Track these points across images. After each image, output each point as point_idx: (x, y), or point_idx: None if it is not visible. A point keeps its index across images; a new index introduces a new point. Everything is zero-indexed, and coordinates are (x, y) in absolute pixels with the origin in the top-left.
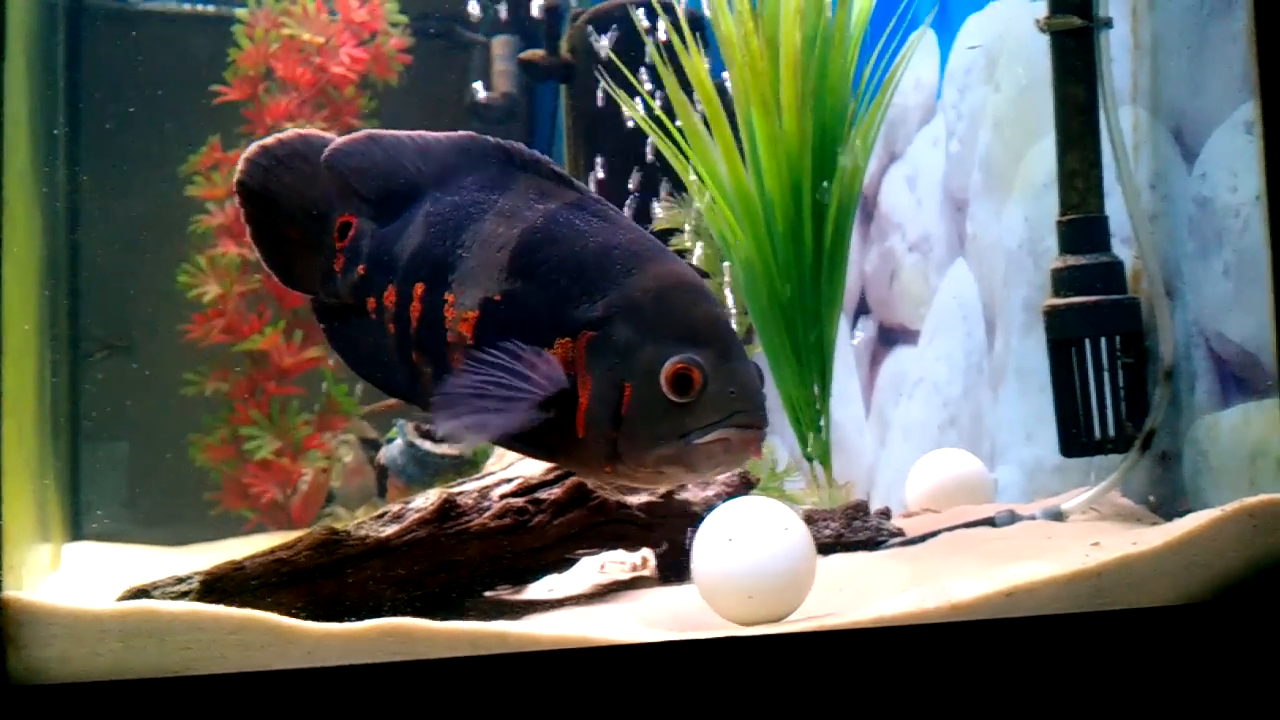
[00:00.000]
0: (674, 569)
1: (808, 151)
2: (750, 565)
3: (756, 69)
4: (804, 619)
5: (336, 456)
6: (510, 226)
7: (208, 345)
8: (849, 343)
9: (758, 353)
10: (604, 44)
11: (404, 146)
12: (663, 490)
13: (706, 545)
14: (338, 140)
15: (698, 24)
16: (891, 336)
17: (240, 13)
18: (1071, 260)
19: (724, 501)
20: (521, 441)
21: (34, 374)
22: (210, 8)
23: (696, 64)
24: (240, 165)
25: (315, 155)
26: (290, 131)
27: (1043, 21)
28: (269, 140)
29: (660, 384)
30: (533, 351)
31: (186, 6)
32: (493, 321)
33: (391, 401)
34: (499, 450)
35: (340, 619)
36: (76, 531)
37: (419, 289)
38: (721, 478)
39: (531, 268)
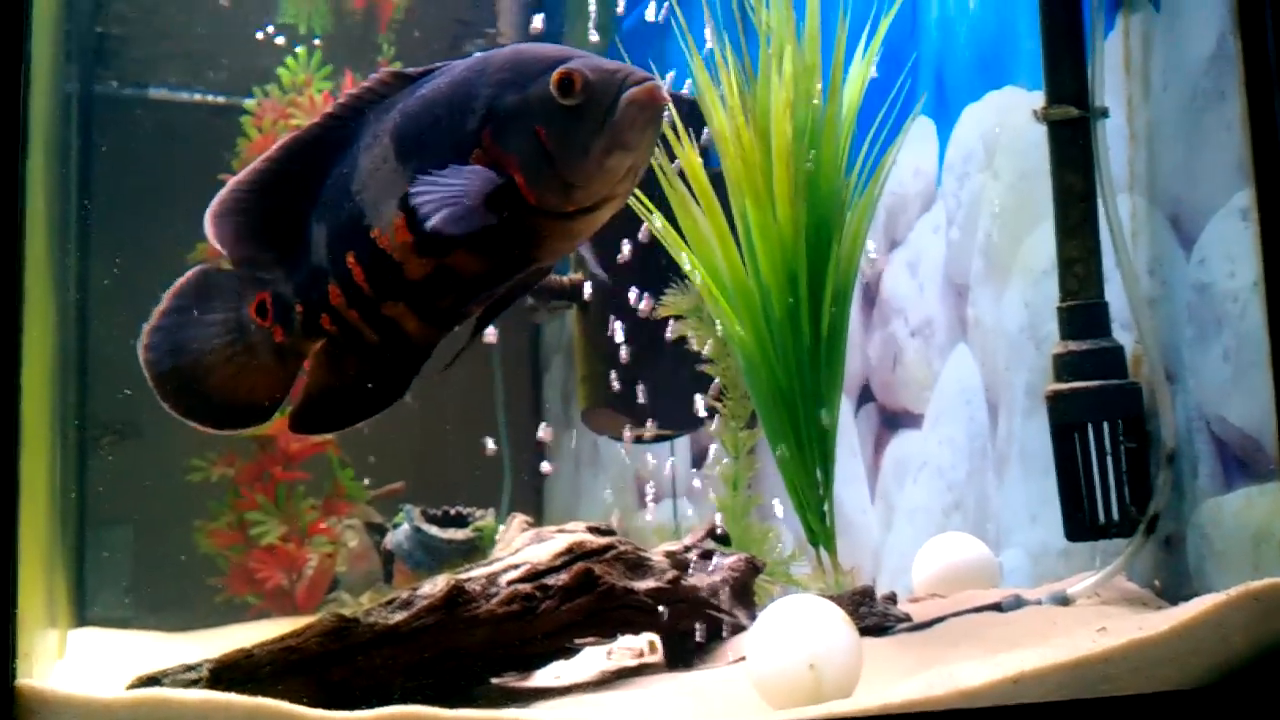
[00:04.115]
0: (680, 655)
1: (802, 241)
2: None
3: (749, 161)
4: (812, 705)
5: (342, 541)
6: (379, 144)
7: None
8: (852, 426)
9: (760, 438)
10: None
11: (258, 184)
12: (619, 189)
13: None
14: (206, 221)
15: (696, 112)
16: (895, 420)
17: (248, 103)
18: (1072, 346)
19: (729, 586)
20: (496, 260)
21: (45, 460)
22: (219, 98)
23: (691, 158)
24: (143, 360)
25: (193, 291)
26: (161, 303)
27: (1040, 112)
28: (150, 321)
29: (556, 102)
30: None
31: (196, 96)
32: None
33: (396, 486)
34: (506, 537)
35: (350, 706)
36: (81, 616)
37: (350, 258)
38: (727, 562)
39: (414, 146)
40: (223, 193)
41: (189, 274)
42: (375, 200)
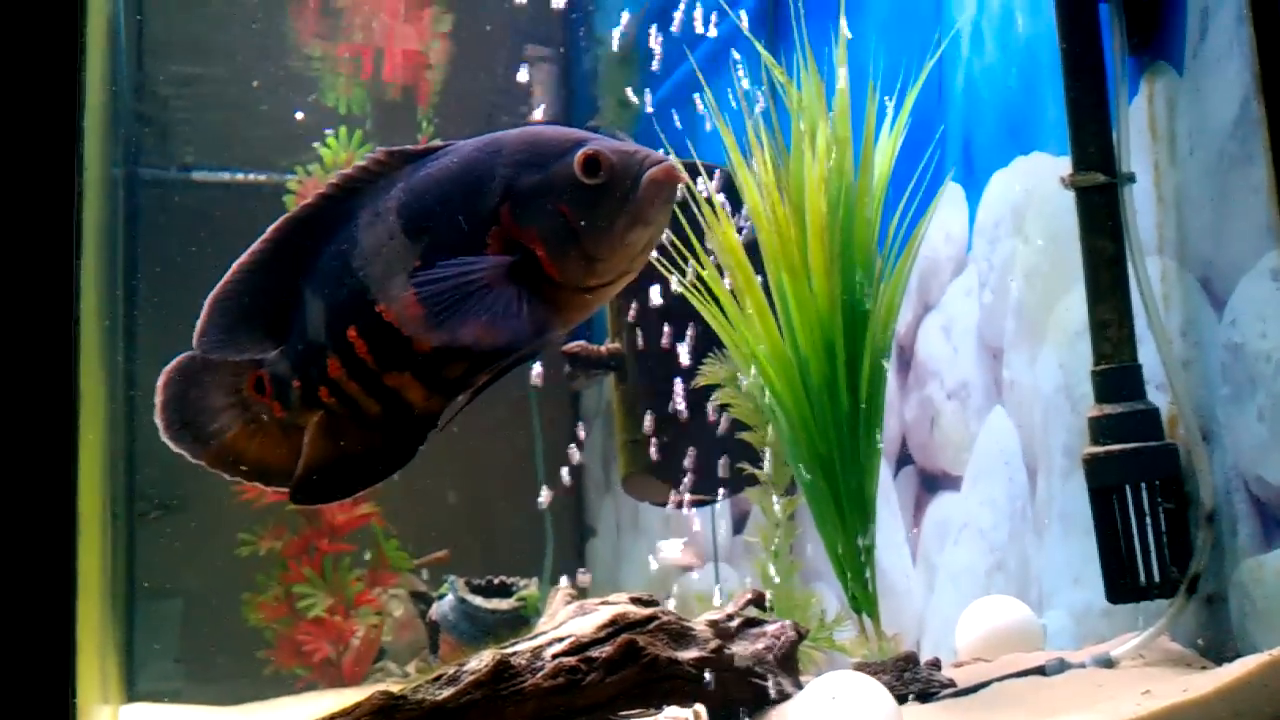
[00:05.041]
0: None
1: (837, 311)
2: None
3: (784, 236)
4: None
5: (387, 611)
6: (383, 221)
7: (261, 505)
8: (891, 488)
9: (801, 504)
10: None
11: (256, 267)
12: (636, 263)
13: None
14: (197, 335)
15: (732, 184)
16: (934, 482)
17: (291, 182)
18: (1108, 409)
19: (775, 655)
20: (517, 333)
21: (98, 540)
22: (263, 177)
23: (728, 234)
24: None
25: (188, 376)
26: (159, 395)
27: (1067, 179)
28: (159, 416)
29: (582, 181)
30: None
31: (240, 176)
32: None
33: (441, 554)
34: (551, 608)
35: None
36: (132, 690)
37: (352, 333)
38: (770, 629)
39: (425, 223)
40: (226, 278)
41: (177, 361)
42: (382, 276)
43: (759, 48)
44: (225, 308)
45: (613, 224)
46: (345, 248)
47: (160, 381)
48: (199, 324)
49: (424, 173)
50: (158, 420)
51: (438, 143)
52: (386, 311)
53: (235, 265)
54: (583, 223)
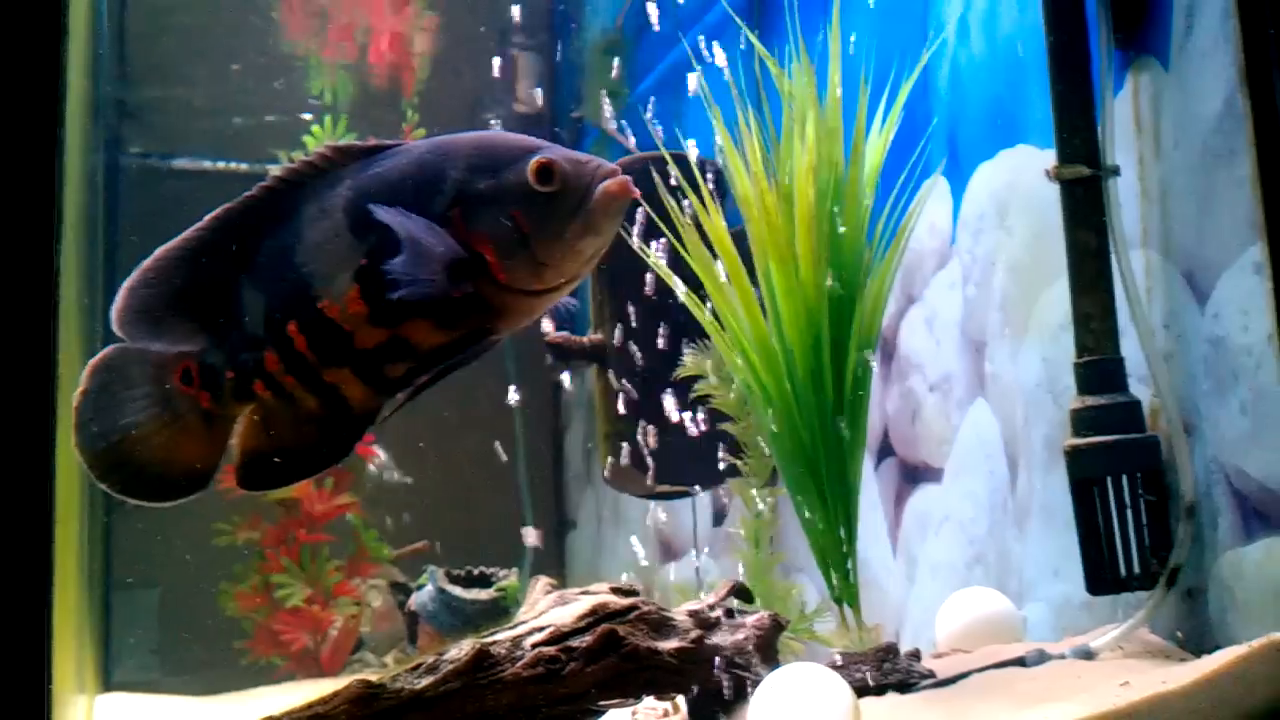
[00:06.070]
0: (705, 715)
1: (825, 301)
2: None
3: (772, 224)
4: None
5: (366, 602)
6: (328, 218)
7: (239, 494)
8: (873, 480)
9: (782, 495)
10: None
11: (185, 253)
12: (584, 269)
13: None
14: (122, 293)
15: (719, 174)
16: (915, 474)
17: (273, 170)
18: (1090, 401)
19: (754, 644)
20: (455, 333)
21: (75, 529)
22: (243, 165)
23: (716, 223)
24: (74, 444)
25: (111, 369)
26: (80, 385)
27: (1052, 171)
28: (74, 404)
29: (535, 189)
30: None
31: (220, 165)
32: (374, 275)
33: (420, 545)
34: (531, 598)
35: None
36: (107, 680)
37: (293, 327)
38: (751, 620)
39: (372, 221)
40: (147, 263)
41: (104, 352)
42: (326, 272)
43: (749, 34)
44: (148, 295)
45: (564, 232)
46: (288, 242)
47: (89, 369)
48: (115, 311)
49: (372, 171)
50: (73, 416)
51: (386, 141)
52: (329, 308)
53: (159, 252)
54: (534, 229)
